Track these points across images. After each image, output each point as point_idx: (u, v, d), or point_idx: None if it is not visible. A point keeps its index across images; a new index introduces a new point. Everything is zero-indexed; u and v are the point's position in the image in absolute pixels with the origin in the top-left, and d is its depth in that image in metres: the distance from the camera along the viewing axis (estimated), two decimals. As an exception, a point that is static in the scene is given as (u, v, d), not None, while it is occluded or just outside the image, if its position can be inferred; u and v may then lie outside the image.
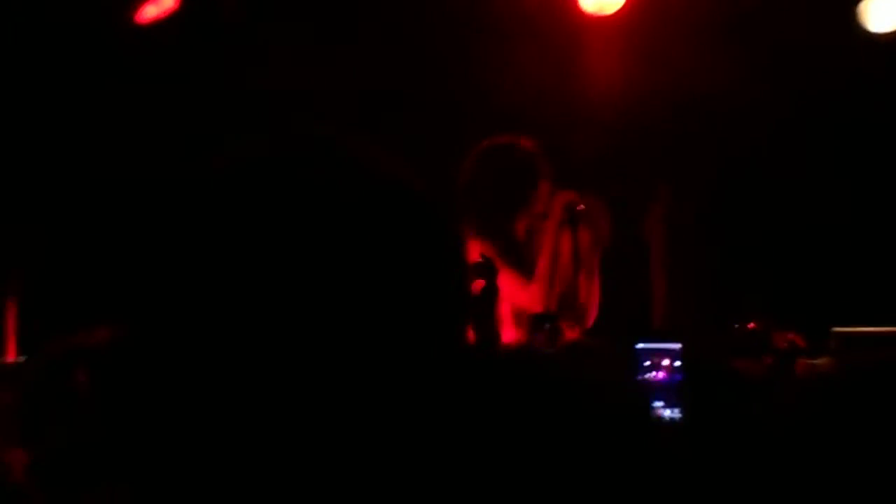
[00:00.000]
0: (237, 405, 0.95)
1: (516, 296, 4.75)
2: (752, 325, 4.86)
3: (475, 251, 4.47)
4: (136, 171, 5.31)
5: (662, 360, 3.48)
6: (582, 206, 4.77)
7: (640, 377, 3.46)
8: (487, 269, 4.30)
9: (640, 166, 6.12)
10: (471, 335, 4.77)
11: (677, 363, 3.45)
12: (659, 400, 3.45)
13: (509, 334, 4.74)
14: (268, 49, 6.09)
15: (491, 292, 4.22)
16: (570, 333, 4.71)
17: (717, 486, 3.12)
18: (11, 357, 5.62)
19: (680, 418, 3.36)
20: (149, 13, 5.91)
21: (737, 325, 4.76)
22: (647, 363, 3.44)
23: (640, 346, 3.46)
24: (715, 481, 3.15)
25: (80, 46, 5.93)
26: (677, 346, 3.45)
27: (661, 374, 3.46)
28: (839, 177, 6.16)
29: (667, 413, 3.44)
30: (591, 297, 4.86)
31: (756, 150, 6.24)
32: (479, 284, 4.13)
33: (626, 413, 2.93)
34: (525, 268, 4.78)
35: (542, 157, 4.76)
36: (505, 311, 4.77)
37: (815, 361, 4.72)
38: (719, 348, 4.46)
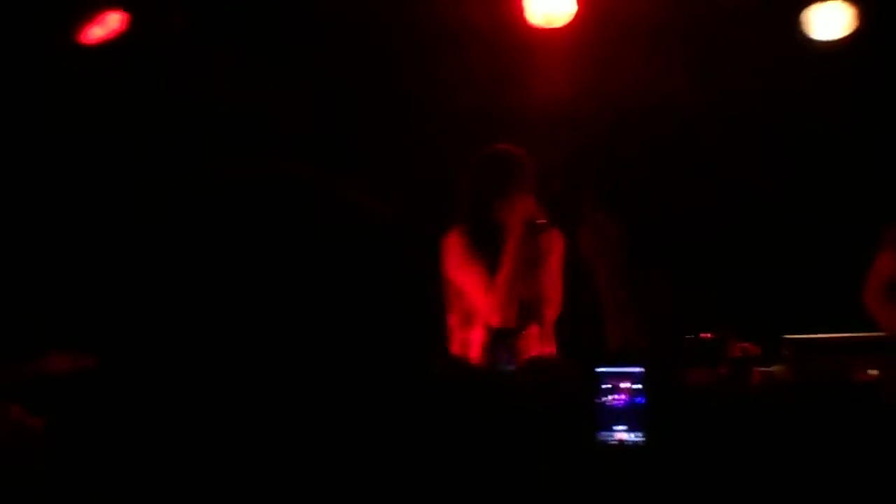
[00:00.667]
0: (203, 431, 0.95)
1: (478, 300, 4.82)
2: (705, 335, 4.91)
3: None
4: (90, 194, 5.27)
5: (623, 384, 3.50)
6: (542, 220, 4.84)
7: (598, 400, 3.47)
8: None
9: (582, 180, 6.15)
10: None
11: (639, 386, 3.47)
12: (621, 424, 3.47)
13: (478, 336, 4.83)
14: (215, 67, 6.07)
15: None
16: (533, 343, 4.77)
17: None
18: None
19: (643, 442, 3.38)
20: (95, 34, 5.86)
21: (690, 336, 4.80)
22: (608, 386, 3.45)
23: (601, 369, 3.47)
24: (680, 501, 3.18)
25: (26, 67, 5.87)
26: (639, 369, 3.46)
27: (622, 398, 3.47)
28: (787, 183, 6.22)
29: (630, 437, 3.45)
30: (553, 300, 4.93)
31: (704, 157, 6.28)
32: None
33: (575, 432, 2.95)
34: (490, 271, 4.85)
35: (523, 163, 4.87)
36: (465, 310, 4.87)
37: (769, 369, 4.77)
38: (673, 360, 4.50)
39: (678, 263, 6.21)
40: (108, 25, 5.92)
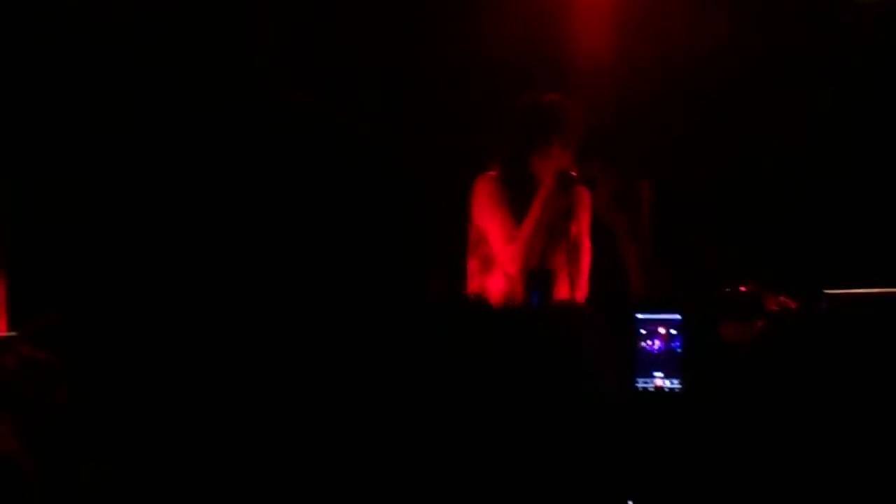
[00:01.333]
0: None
1: (498, 248, 4.82)
2: (743, 288, 4.89)
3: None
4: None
5: (661, 330, 3.50)
6: (574, 173, 4.82)
7: (637, 346, 3.48)
8: None
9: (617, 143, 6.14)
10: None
11: (676, 333, 3.47)
12: (658, 370, 3.47)
13: (497, 283, 4.83)
14: (259, 15, 6.07)
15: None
16: (565, 290, 4.77)
17: (712, 453, 3.15)
18: (2, 332, 5.61)
19: (679, 388, 3.39)
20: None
21: (728, 289, 4.79)
22: (645, 332, 3.46)
23: (640, 315, 3.47)
24: (710, 450, 3.18)
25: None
26: (677, 316, 3.46)
27: (659, 344, 3.48)
28: (829, 138, 6.17)
29: (666, 384, 3.46)
30: (583, 263, 4.92)
31: (742, 111, 6.23)
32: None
33: (612, 377, 2.96)
34: (517, 220, 4.84)
35: (566, 113, 4.85)
36: (493, 259, 4.87)
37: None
38: (709, 312, 4.49)
39: (720, 218, 6.19)
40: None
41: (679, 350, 3.43)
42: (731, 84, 6.17)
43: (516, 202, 4.88)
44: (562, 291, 4.80)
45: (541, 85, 5.19)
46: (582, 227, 4.96)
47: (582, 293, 4.87)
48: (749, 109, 6.18)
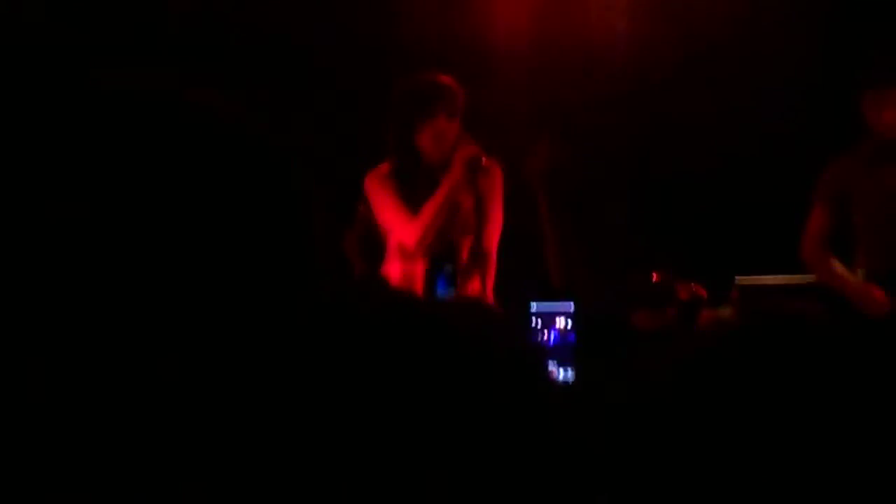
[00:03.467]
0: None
1: (397, 228, 4.74)
2: (654, 275, 4.87)
3: None
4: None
5: (555, 321, 3.47)
6: (485, 161, 4.75)
7: (532, 338, 3.44)
8: None
9: (528, 113, 6.08)
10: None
11: (570, 323, 3.44)
12: (551, 360, 3.44)
13: (395, 267, 4.76)
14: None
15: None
16: (473, 285, 4.71)
17: (614, 448, 3.12)
18: None
19: (573, 379, 3.35)
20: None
21: (638, 277, 4.76)
22: (539, 323, 3.42)
23: (534, 306, 3.43)
24: (610, 444, 3.14)
25: None
26: (570, 305, 3.43)
27: (553, 335, 3.44)
28: (741, 122, 6.16)
29: (559, 374, 3.42)
30: (490, 250, 4.86)
31: (658, 94, 6.21)
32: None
33: (520, 372, 2.91)
34: (412, 201, 4.76)
35: (448, 90, 4.76)
36: (391, 242, 4.79)
37: (717, 311, 4.74)
38: (618, 300, 4.46)
39: (633, 201, 6.17)
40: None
41: (572, 339, 3.40)
42: (654, 66, 6.15)
43: (411, 187, 4.79)
44: (469, 283, 4.74)
45: (450, 64, 5.14)
46: (492, 209, 4.86)
47: (489, 282, 4.80)
48: (670, 93, 6.16)
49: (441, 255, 4.51)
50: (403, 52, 5.86)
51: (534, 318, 3.43)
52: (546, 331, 3.43)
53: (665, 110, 6.04)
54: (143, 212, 0.91)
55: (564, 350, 3.45)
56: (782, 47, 5.96)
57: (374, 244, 4.81)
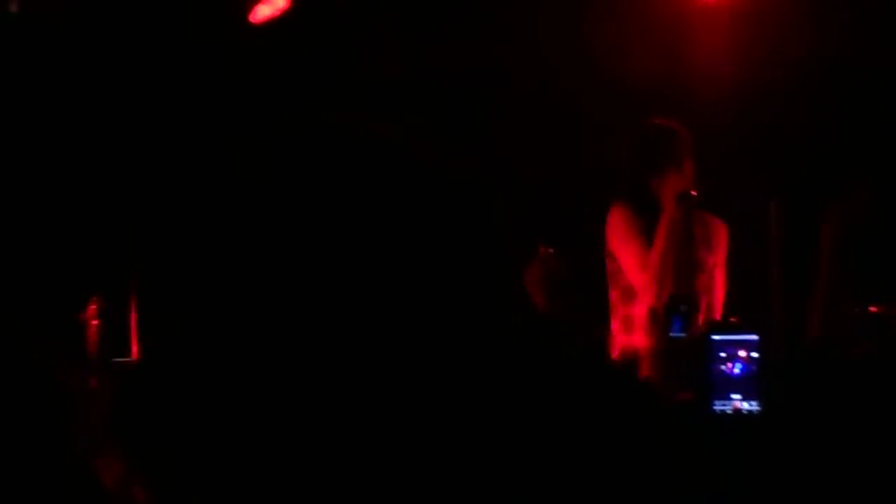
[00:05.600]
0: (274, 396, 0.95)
1: (634, 277, 4.79)
2: (874, 308, 4.75)
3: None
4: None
5: (739, 352, 3.45)
6: (694, 192, 4.77)
7: (713, 367, 3.43)
8: None
9: (758, 162, 6.03)
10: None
11: (754, 354, 3.41)
12: (736, 392, 3.42)
13: (640, 313, 4.79)
14: (379, 38, 6.17)
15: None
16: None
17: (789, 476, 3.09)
18: (134, 356, 5.78)
19: (758, 411, 3.33)
20: (262, 13, 6.05)
21: (858, 310, 4.67)
22: (723, 355, 3.41)
23: (716, 337, 3.42)
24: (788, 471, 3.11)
25: (198, 46, 6.09)
26: (754, 337, 3.41)
27: (737, 366, 3.43)
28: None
29: (744, 406, 3.40)
30: (716, 291, 4.88)
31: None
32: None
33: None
34: (647, 246, 4.80)
35: (686, 138, 4.81)
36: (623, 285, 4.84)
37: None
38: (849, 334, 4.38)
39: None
40: (275, 4, 6.09)
41: (756, 371, 3.37)
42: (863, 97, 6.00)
43: (647, 230, 4.85)
44: (698, 322, 4.75)
45: (659, 107, 5.15)
46: (718, 258, 4.92)
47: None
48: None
49: (679, 296, 4.53)
50: (611, 92, 5.91)
51: (716, 349, 3.42)
52: (728, 362, 3.42)
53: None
54: (366, 242, 0.95)
55: (748, 381, 3.43)
56: None
57: (556, 281, 4.88)
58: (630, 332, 4.81)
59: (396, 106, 5.69)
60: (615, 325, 4.87)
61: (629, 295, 4.85)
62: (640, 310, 4.79)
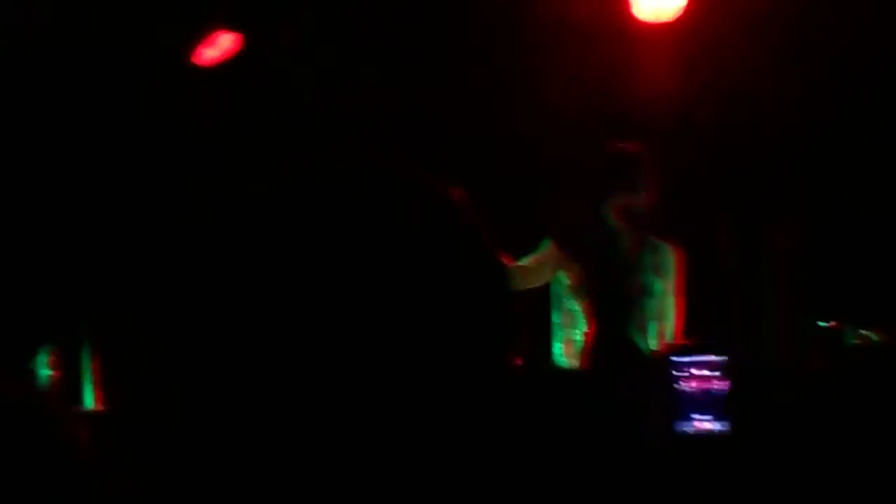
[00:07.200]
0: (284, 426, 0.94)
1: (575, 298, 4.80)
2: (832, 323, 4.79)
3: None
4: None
5: (704, 372, 3.43)
6: (645, 216, 4.77)
7: (678, 389, 3.41)
8: None
9: (702, 178, 6.06)
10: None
11: (721, 374, 3.40)
12: (702, 413, 3.40)
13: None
14: (327, 75, 6.16)
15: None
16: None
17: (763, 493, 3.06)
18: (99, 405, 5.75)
19: (726, 430, 3.31)
20: (208, 55, 6.02)
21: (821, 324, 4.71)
22: (686, 375, 3.39)
23: (681, 358, 3.41)
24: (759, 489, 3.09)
25: (141, 88, 6.06)
26: (722, 357, 3.39)
27: (702, 386, 3.41)
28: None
29: (707, 426, 3.38)
30: (669, 317, 4.88)
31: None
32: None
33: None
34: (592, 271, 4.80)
35: (640, 161, 4.79)
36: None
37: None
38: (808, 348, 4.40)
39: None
40: (220, 46, 6.06)
41: (724, 391, 3.36)
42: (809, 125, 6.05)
43: (595, 254, 4.84)
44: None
45: (609, 129, 5.17)
46: (669, 284, 4.89)
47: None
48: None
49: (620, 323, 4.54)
50: (559, 116, 5.92)
51: (679, 369, 3.40)
52: (693, 382, 3.40)
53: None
54: (373, 277, 0.94)
55: (715, 401, 3.41)
56: None
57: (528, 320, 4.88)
58: (573, 355, 4.79)
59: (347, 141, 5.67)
60: (560, 347, 4.85)
61: (572, 318, 4.84)
62: (584, 334, 4.77)
